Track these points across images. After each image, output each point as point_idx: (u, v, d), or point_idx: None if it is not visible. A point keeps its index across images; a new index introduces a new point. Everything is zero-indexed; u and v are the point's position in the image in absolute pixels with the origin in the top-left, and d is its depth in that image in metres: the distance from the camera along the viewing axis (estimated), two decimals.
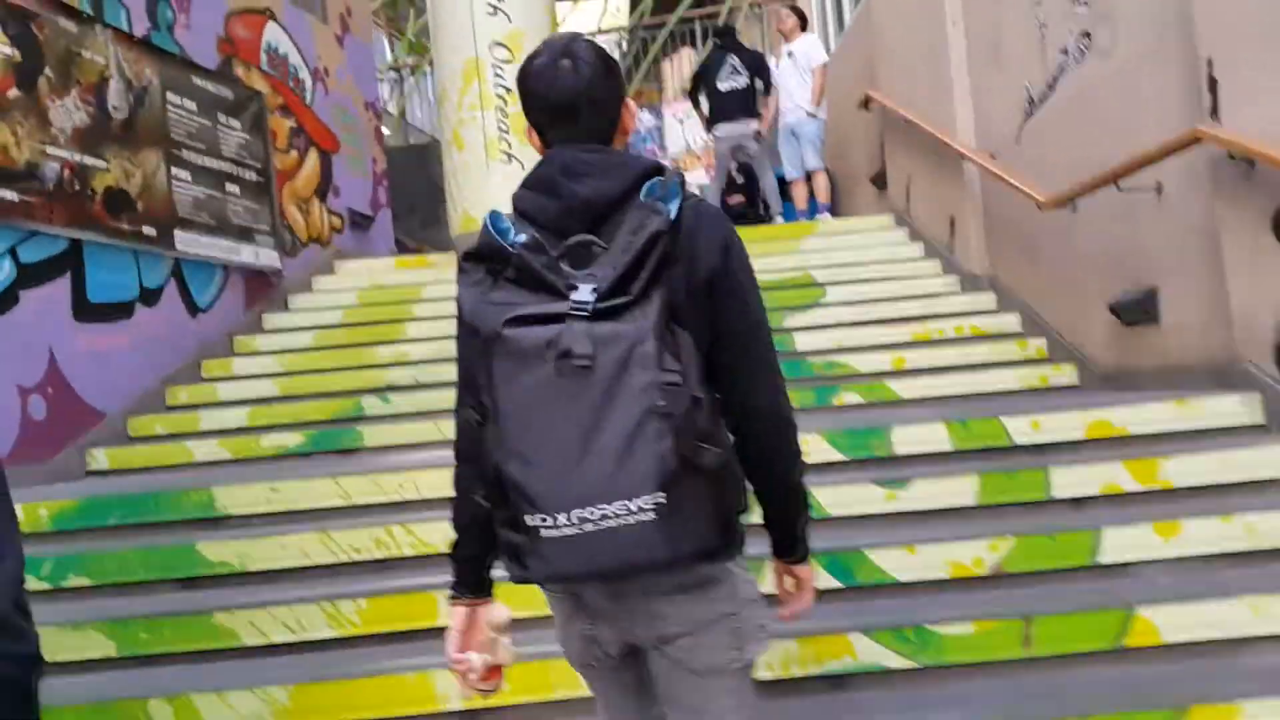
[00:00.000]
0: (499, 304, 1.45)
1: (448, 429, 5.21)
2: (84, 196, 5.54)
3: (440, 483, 3.88)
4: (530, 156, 8.06)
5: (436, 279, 7.66)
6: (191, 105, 6.63)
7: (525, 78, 1.60)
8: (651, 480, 1.37)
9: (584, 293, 1.41)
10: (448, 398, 5.50)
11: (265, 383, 6.14)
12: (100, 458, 5.36)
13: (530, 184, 1.57)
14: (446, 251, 8.27)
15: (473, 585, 1.70)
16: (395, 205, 11.52)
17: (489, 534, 1.54)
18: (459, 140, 8.31)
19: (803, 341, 5.97)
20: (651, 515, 1.37)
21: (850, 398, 5.35)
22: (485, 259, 1.50)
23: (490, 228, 1.49)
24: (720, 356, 1.55)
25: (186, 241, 6.39)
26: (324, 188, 8.42)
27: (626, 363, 1.38)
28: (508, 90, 8.16)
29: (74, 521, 3.80)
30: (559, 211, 1.51)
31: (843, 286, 6.81)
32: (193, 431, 5.68)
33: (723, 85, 8.79)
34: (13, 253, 5.05)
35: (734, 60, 8.81)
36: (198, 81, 6.75)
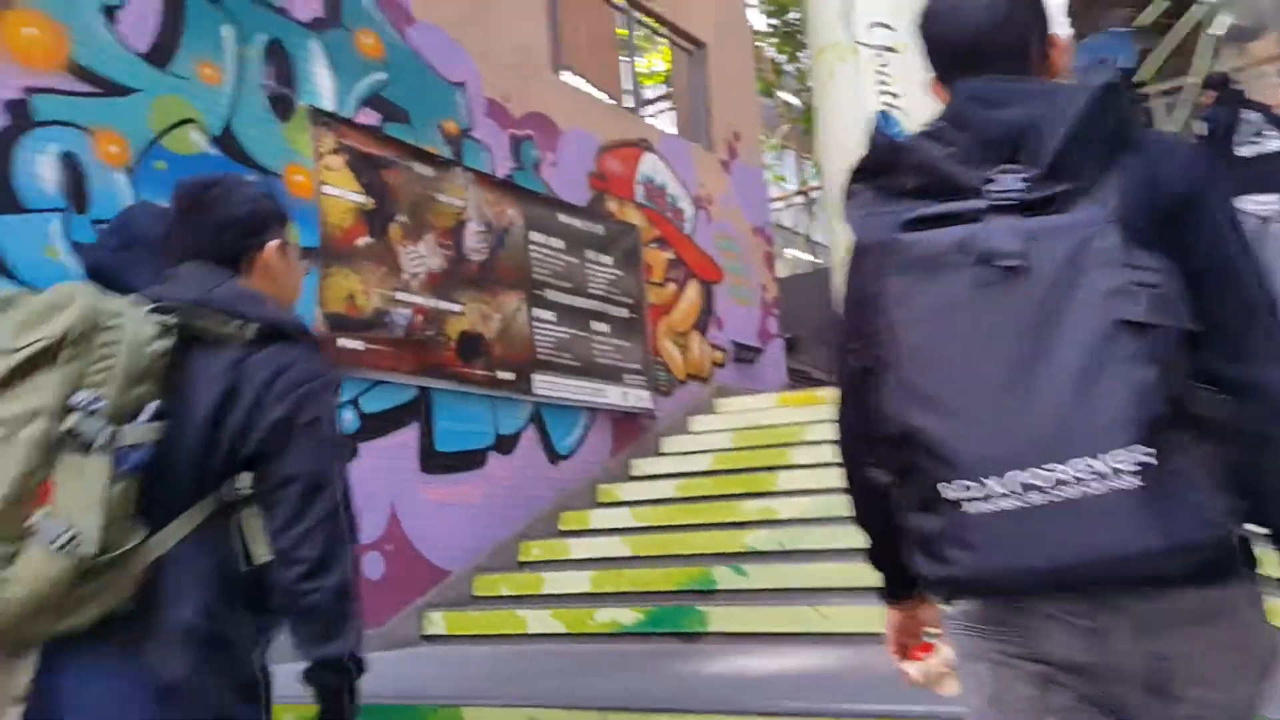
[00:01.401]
0: (893, 211, 1.13)
1: (810, 619, 4.14)
2: (435, 342, 5.31)
3: None
4: None
5: (820, 418, 6.68)
6: (557, 243, 6.35)
7: (924, 21, 1.31)
8: (1128, 425, 0.96)
9: (1008, 181, 1.08)
10: (814, 574, 4.34)
11: (617, 540, 5.46)
12: (437, 621, 4.97)
13: (927, 131, 1.20)
14: None
15: (900, 585, 1.36)
16: (802, 334, 10.80)
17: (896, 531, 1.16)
18: None
19: None
20: (1134, 481, 0.95)
21: None
22: (874, 170, 1.20)
23: (880, 128, 1.07)
24: (1198, 314, 1.08)
25: (546, 385, 5.99)
26: (705, 320, 7.84)
27: (1078, 261, 1.01)
28: None
29: None
30: (969, 145, 1.14)
31: None
32: (535, 594, 5.13)
33: (1245, 150, 6.97)
34: (355, 403, 4.84)
35: (1254, 117, 7.00)
36: (564, 219, 6.48)
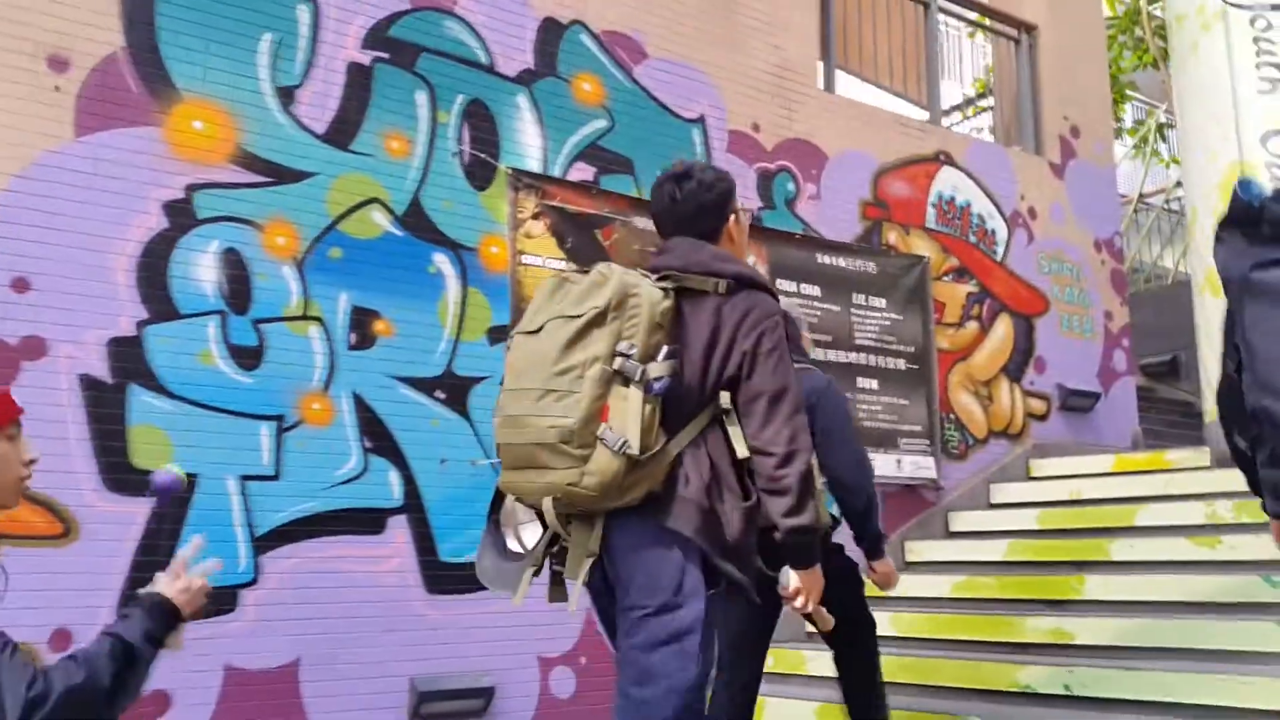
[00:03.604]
0: (1251, 253, 1.57)
1: None
2: None
3: None
4: None
5: (1165, 492, 5.23)
6: (812, 290, 5.49)
7: None
8: None
9: None
10: None
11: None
12: None
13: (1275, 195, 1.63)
14: (1199, 446, 5.72)
15: None
16: (1184, 354, 8.94)
17: None
18: (1214, 283, 5.79)
19: None
20: None
21: None
22: (1236, 222, 1.62)
23: (1238, 191, 1.60)
24: None
25: None
26: (1019, 363, 6.52)
27: None
28: None
29: None
30: None
31: None
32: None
33: None
34: None
35: None
36: (825, 259, 5.60)
